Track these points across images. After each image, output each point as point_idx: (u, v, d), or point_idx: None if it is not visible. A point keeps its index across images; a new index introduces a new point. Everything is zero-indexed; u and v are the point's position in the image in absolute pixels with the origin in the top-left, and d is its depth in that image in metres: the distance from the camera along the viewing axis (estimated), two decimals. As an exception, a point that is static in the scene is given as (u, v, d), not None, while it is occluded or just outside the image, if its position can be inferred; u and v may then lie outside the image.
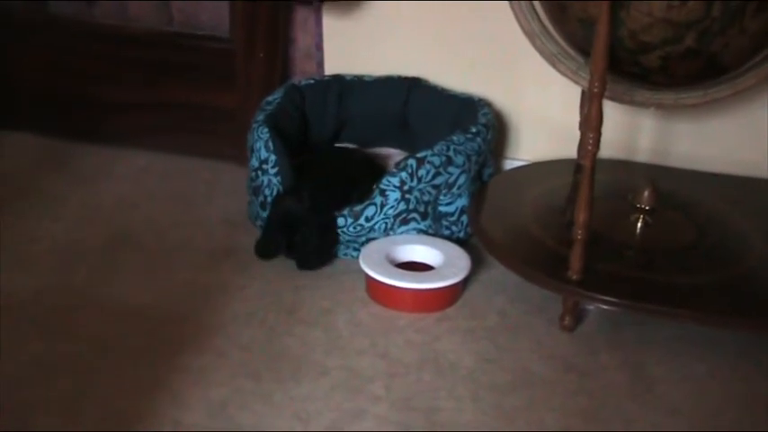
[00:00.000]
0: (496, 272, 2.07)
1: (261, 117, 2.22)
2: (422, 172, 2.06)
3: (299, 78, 2.46)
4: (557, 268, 1.86)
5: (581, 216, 1.81)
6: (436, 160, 2.07)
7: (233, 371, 1.75)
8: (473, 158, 2.13)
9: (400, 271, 1.98)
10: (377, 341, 1.85)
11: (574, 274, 1.84)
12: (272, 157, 2.14)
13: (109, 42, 2.57)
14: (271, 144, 2.15)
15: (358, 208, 2.06)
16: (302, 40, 2.50)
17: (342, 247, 2.10)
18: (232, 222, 2.26)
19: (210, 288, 2.00)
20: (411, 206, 2.07)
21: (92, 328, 1.85)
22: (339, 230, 2.06)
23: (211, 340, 1.82)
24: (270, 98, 2.31)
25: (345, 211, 2.05)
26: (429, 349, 1.84)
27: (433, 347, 1.84)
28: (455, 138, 2.12)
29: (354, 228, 2.06)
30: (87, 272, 2.04)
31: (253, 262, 2.09)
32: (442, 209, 2.12)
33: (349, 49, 2.48)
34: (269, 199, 2.12)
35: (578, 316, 1.91)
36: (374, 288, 1.98)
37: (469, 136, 2.14)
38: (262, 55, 2.44)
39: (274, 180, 2.13)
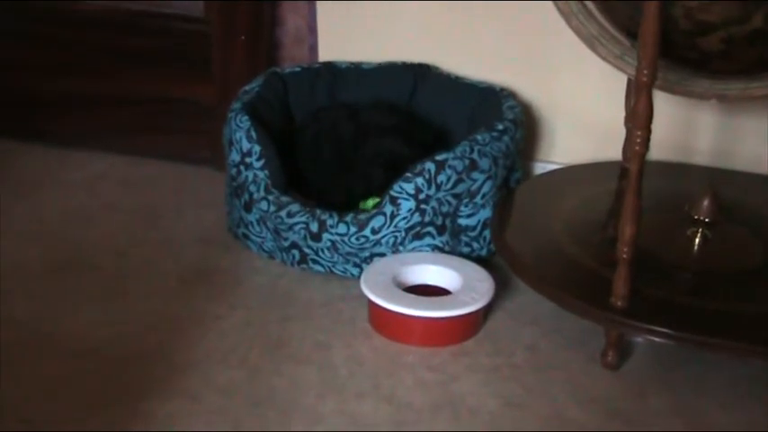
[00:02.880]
0: (525, 298, 2.07)
1: (238, 105, 2.24)
2: (441, 178, 2.06)
3: (284, 66, 2.47)
4: (597, 294, 1.86)
5: (627, 231, 1.81)
6: (458, 164, 2.07)
7: (208, 418, 1.74)
8: (500, 162, 2.14)
9: (410, 296, 1.98)
10: (381, 382, 1.85)
11: (618, 301, 1.84)
12: (257, 148, 2.16)
13: (58, 23, 2.58)
14: (253, 133, 2.17)
15: (363, 217, 2.06)
16: (292, 20, 2.52)
17: (340, 260, 2.10)
18: (207, 239, 2.27)
19: (181, 319, 2.00)
20: (427, 218, 2.08)
21: (37, 370, 1.85)
22: (340, 239, 2.07)
23: (182, 382, 1.82)
24: (247, 87, 2.33)
25: (348, 218, 2.06)
26: (444, 391, 1.84)
27: (449, 389, 1.84)
28: (479, 137, 2.12)
29: (357, 239, 2.06)
30: (31, 301, 2.04)
31: (232, 287, 2.10)
32: (462, 222, 2.13)
33: (347, 31, 2.49)
34: (255, 196, 2.13)
35: (623, 351, 1.91)
36: (378, 317, 1.98)
37: (495, 134, 2.14)
38: (243, 38, 2.45)
39: (261, 174, 2.14)
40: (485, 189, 2.12)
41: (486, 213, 2.14)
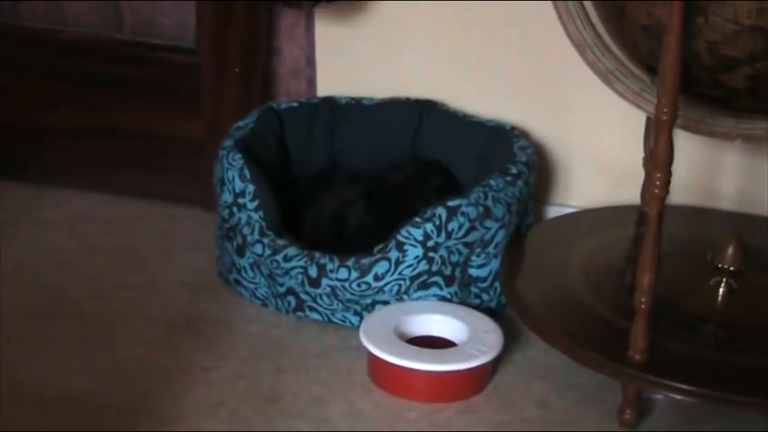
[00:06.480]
0: (536, 350, 2.07)
1: (230, 143, 2.24)
2: (453, 225, 2.06)
3: (280, 100, 2.48)
4: (614, 347, 1.86)
5: (645, 279, 1.81)
6: (472, 212, 2.07)
7: (195, 477, 1.75)
8: (513, 208, 2.14)
9: (412, 348, 1.98)
10: (382, 439, 1.85)
11: (636, 355, 1.84)
12: (250, 188, 2.16)
13: (39, 52, 2.59)
14: (247, 172, 2.17)
15: (366, 261, 2.06)
16: (289, 52, 2.52)
17: (339, 307, 2.10)
18: (196, 284, 2.27)
19: (167, 369, 2.00)
20: (434, 267, 2.08)
21: (12, 423, 1.83)
22: (340, 284, 2.07)
23: (167, 437, 1.82)
24: (240, 123, 2.33)
25: (350, 263, 2.06)
26: (449, 450, 1.84)
27: (455, 448, 1.84)
28: (492, 182, 2.12)
29: (359, 285, 2.06)
30: (7, 348, 2.03)
31: (222, 336, 2.10)
32: (473, 272, 2.13)
33: (348, 63, 2.50)
34: (249, 239, 2.13)
35: (642, 408, 1.90)
36: (379, 370, 1.98)
37: (509, 179, 2.14)
38: (237, 70, 2.46)
39: (255, 216, 2.14)
40: (498, 238, 2.12)
41: (498, 264, 2.14)
